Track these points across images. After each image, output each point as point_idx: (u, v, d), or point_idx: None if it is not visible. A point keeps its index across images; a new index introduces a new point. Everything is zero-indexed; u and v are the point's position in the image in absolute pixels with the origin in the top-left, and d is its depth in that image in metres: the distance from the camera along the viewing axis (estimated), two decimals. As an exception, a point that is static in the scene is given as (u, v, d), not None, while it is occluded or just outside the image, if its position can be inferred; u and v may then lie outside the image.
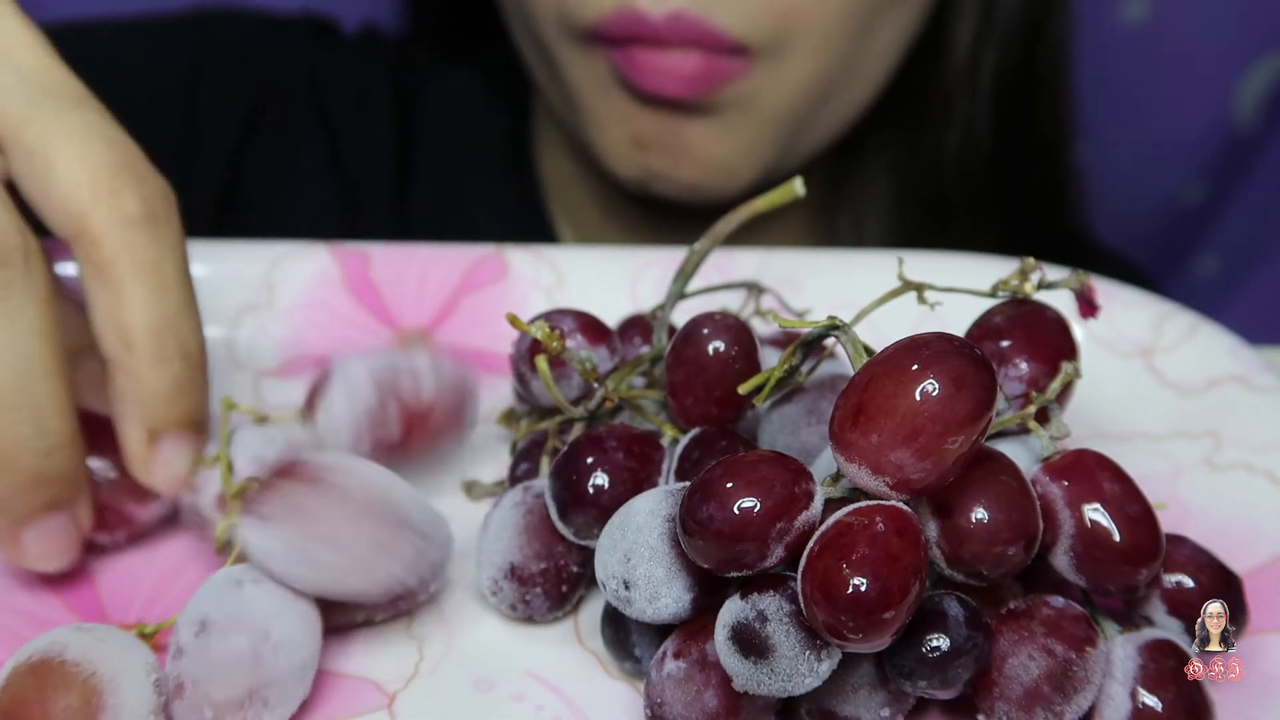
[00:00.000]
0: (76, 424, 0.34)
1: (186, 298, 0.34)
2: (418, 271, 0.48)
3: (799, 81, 0.58)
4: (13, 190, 0.34)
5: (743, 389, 0.33)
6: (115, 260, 0.33)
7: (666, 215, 0.67)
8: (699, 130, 0.59)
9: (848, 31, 0.58)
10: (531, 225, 0.70)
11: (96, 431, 0.35)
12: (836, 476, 0.30)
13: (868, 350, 0.30)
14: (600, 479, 0.34)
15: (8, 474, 0.32)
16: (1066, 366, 0.34)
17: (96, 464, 0.36)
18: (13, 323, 0.32)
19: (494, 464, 0.40)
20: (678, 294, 0.39)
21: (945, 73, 0.66)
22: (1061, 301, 0.38)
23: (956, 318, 0.36)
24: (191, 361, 0.34)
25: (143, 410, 0.34)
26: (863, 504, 0.29)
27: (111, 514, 0.36)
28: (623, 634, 0.34)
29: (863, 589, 0.27)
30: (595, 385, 0.36)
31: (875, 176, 0.70)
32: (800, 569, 0.28)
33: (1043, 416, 0.33)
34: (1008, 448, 0.32)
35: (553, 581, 0.35)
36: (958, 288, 0.35)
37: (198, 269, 0.47)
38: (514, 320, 0.35)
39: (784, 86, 0.58)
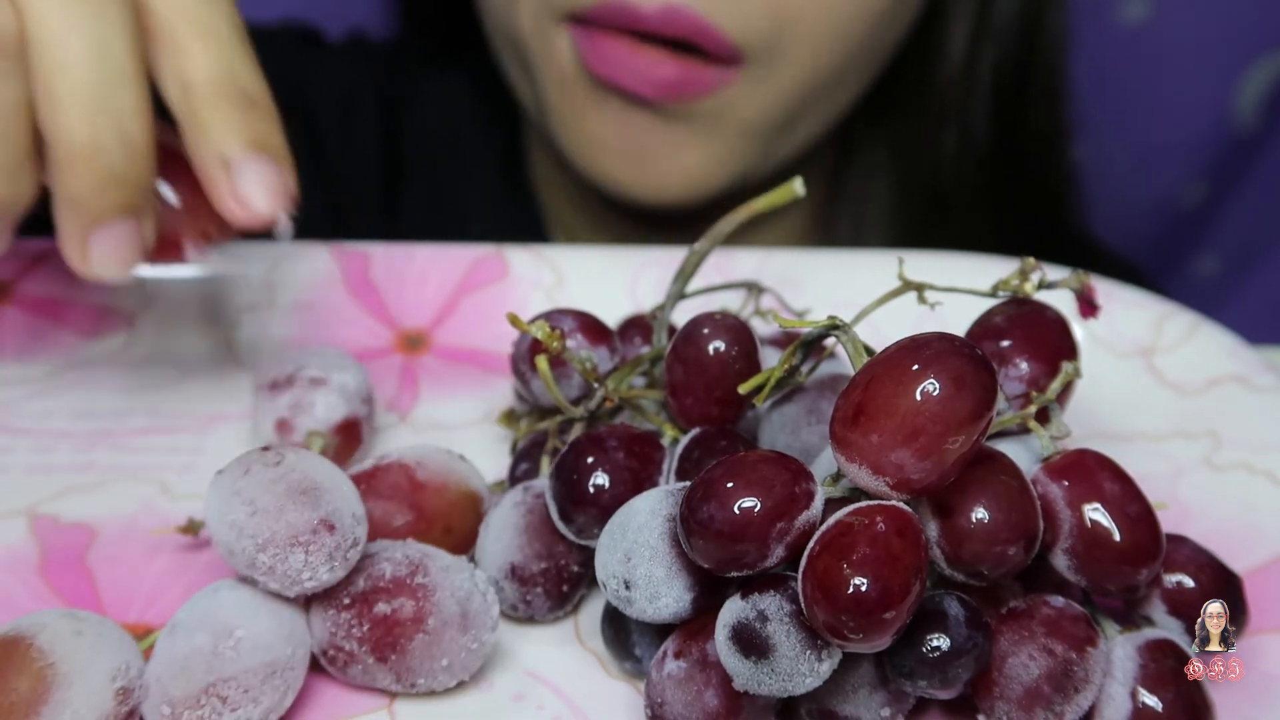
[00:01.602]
0: (154, 135, 0.34)
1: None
2: (418, 271, 0.48)
3: (782, 93, 0.57)
4: None
5: (743, 389, 0.33)
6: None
7: (656, 223, 0.67)
8: (662, 136, 0.57)
9: (841, 43, 0.57)
10: (523, 232, 0.70)
11: (160, 160, 0.36)
12: (837, 476, 0.30)
13: (868, 350, 0.30)
14: (600, 479, 0.34)
15: (89, 171, 0.33)
16: (1067, 366, 0.34)
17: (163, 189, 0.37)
18: (98, 19, 0.33)
19: (494, 464, 0.40)
20: (678, 294, 0.39)
21: (941, 71, 0.66)
22: (1061, 301, 0.38)
23: (956, 318, 0.36)
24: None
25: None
26: (863, 504, 0.29)
27: (168, 242, 0.37)
28: (623, 634, 0.34)
29: (863, 589, 0.27)
30: (595, 385, 0.36)
31: (873, 174, 0.69)
32: (800, 569, 0.28)
33: (1043, 416, 0.33)
34: (1008, 448, 0.32)
35: (553, 581, 0.35)
36: (958, 288, 0.35)
37: (196, 269, 0.47)
38: (514, 320, 0.35)
39: (766, 98, 0.57)
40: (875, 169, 0.69)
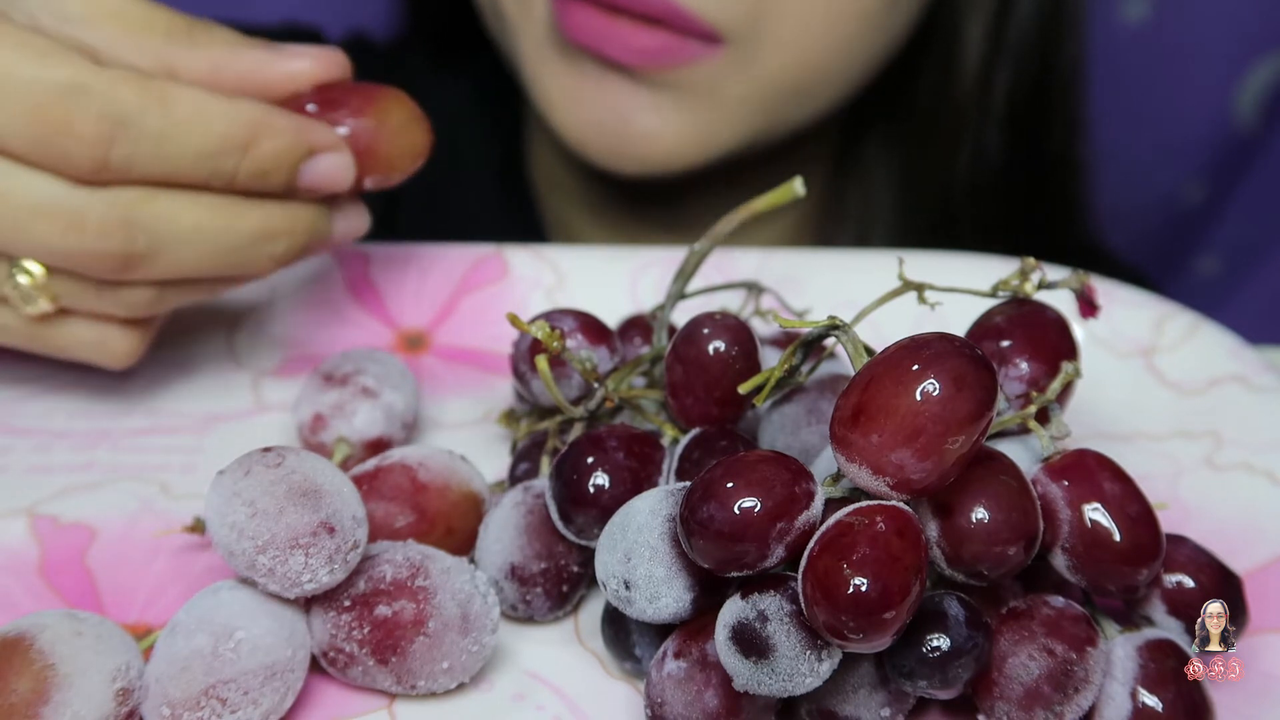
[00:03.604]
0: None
1: None
2: (418, 271, 0.48)
3: (771, 74, 0.56)
4: None
5: (743, 389, 0.33)
6: None
7: (656, 220, 0.66)
8: (643, 103, 0.56)
9: (834, 30, 0.56)
10: (521, 235, 0.70)
11: None
12: (837, 476, 0.30)
13: (868, 350, 0.30)
14: (601, 479, 0.34)
15: (272, 138, 0.38)
16: (1067, 366, 0.34)
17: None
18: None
19: (494, 464, 0.40)
20: (678, 294, 0.39)
21: (955, 91, 0.65)
22: (1062, 301, 0.38)
23: (956, 318, 0.36)
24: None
25: None
26: (863, 504, 0.29)
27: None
28: (623, 634, 0.34)
29: (863, 589, 0.27)
30: (595, 385, 0.36)
31: (882, 192, 0.68)
32: (801, 569, 0.28)
33: (1043, 416, 0.33)
34: (1008, 448, 0.32)
35: (553, 581, 0.35)
36: (958, 288, 0.35)
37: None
38: (514, 320, 0.35)
39: (754, 77, 0.56)
40: (884, 188, 0.68)
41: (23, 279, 0.37)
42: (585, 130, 0.58)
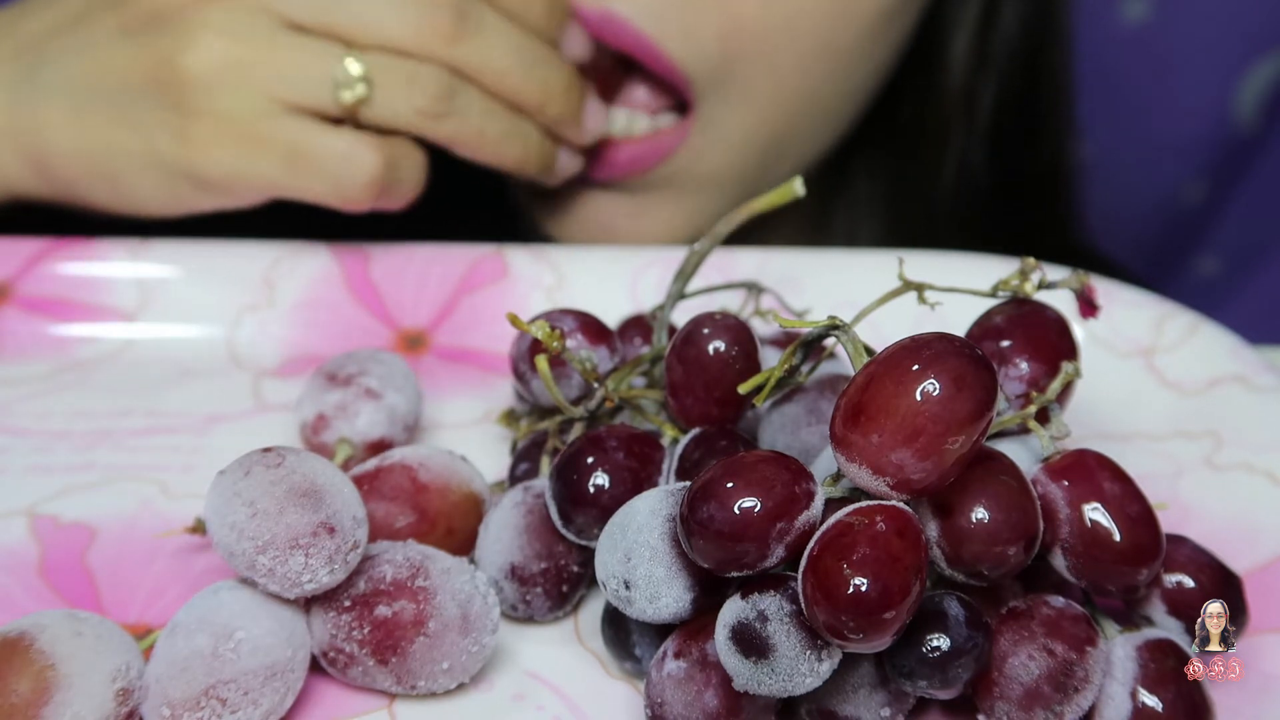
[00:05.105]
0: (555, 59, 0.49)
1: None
2: (418, 271, 0.48)
3: (744, 135, 0.54)
4: None
5: (743, 389, 0.33)
6: None
7: None
8: (628, 208, 0.56)
9: (805, 70, 0.54)
10: (521, 231, 0.69)
11: None
12: (837, 476, 0.30)
13: (868, 350, 0.30)
14: (601, 479, 0.34)
15: (551, 100, 0.48)
16: (1067, 366, 0.34)
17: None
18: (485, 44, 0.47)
19: (494, 464, 0.40)
20: (678, 294, 0.39)
21: (940, 104, 0.64)
22: (1061, 301, 0.38)
23: (956, 318, 0.36)
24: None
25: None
26: (863, 504, 0.29)
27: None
28: (623, 634, 0.34)
29: (863, 589, 0.27)
30: (595, 385, 0.36)
31: (868, 207, 0.67)
32: (801, 569, 0.28)
33: (1043, 416, 0.33)
34: (1008, 448, 0.32)
35: (553, 581, 0.35)
36: (958, 288, 0.35)
37: (196, 269, 0.47)
38: (514, 320, 0.35)
39: (726, 142, 0.54)
40: (870, 205, 0.67)
41: (351, 65, 0.44)
42: (570, 235, 0.57)
